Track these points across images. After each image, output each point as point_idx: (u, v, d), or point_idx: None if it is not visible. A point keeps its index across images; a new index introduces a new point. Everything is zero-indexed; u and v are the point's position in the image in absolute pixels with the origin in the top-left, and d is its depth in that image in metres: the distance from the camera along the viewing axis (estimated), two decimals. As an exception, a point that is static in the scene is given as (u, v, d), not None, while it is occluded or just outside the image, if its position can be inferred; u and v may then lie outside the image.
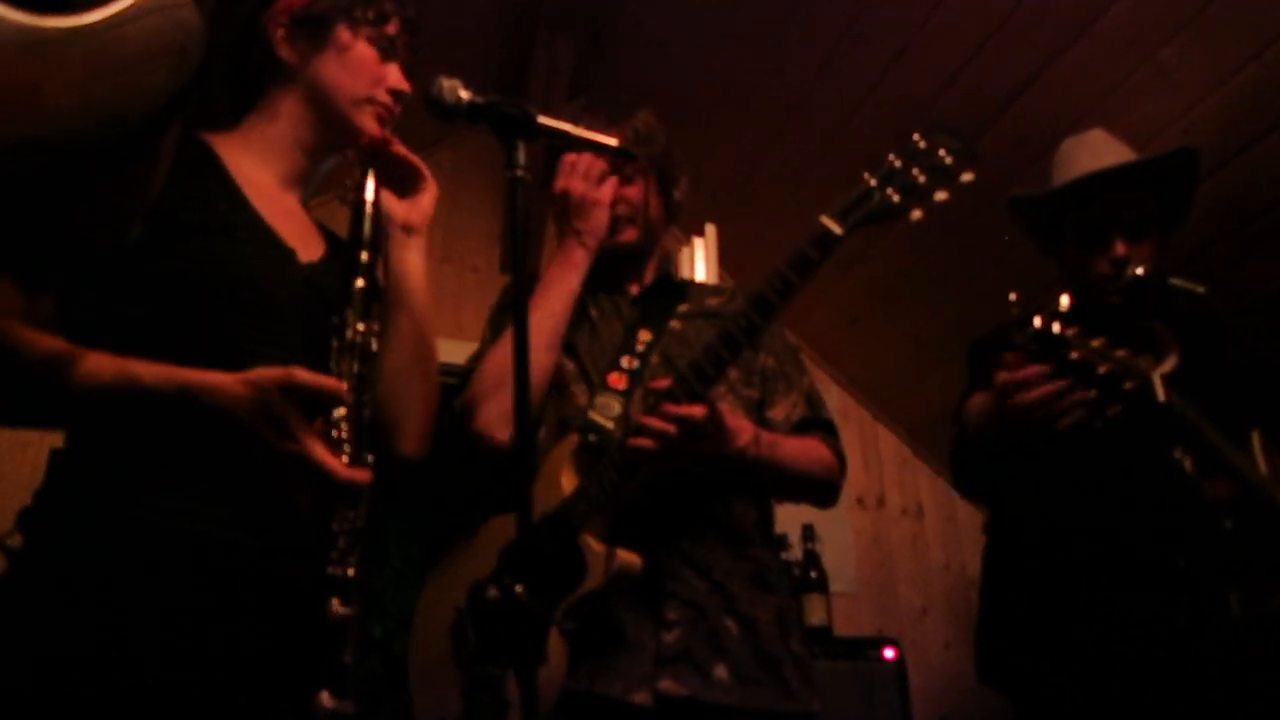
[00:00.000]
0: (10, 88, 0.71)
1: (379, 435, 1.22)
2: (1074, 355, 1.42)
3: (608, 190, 1.57)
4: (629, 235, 1.63)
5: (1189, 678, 1.53)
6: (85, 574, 0.99)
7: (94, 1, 0.76)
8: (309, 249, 1.27)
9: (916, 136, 1.27)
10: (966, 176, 1.26)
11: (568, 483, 1.42)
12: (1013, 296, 1.47)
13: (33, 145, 0.72)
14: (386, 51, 1.33)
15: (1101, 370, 1.43)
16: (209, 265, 1.11)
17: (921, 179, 1.26)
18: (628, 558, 1.34)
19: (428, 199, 1.34)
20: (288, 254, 1.22)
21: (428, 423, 1.33)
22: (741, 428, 1.41)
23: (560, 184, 1.57)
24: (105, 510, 1.02)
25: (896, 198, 1.26)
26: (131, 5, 0.77)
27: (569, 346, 1.57)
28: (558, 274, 1.55)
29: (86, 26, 0.75)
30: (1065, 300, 1.44)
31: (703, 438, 1.33)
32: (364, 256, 1.17)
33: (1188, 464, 1.59)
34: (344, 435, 1.06)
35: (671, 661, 1.35)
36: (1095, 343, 1.44)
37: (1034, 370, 1.47)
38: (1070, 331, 1.43)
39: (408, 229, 1.31)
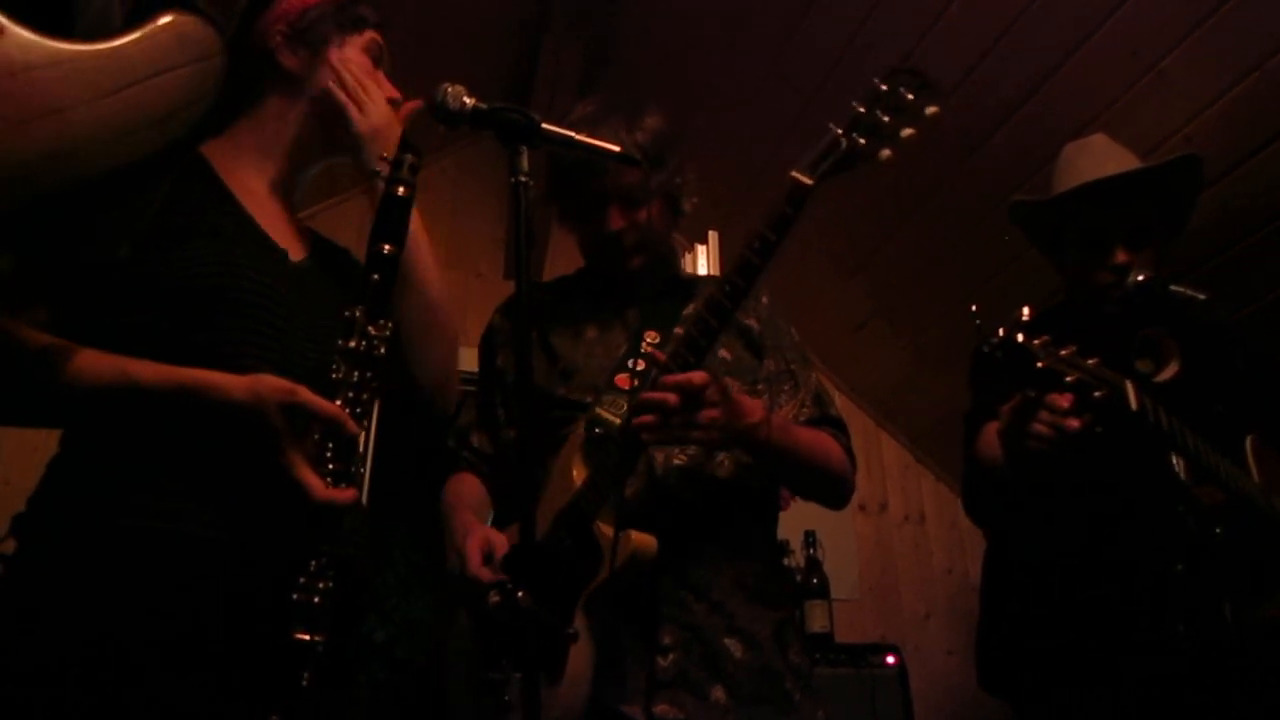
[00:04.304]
0: (33, 105, 0.71)
1: (400, 387, 1.24)
2: (1039, 365, 1.41)
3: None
4: (636, 263, 1.60)
5: (1187, 685, 1.53)
6: (75, 578, 0.99)
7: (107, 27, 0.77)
8: (298, 249, 1.28)
9: (877, 80, 1.27)
10: (931, 110, 1.25)
11: (579, 475, 1.41)
12: (973, 308, 1.47)
13: (53, 162, 0.73)
14: (378, 61, 1.35)
15: (1069, 380, 1.41)
16: (200, 269, 1.10)
17: (886, 119, 1.25)
18: (641, 540, 1.33)
19: None
20: (279, 254, 1.22)
21: (447, 376, 1.36)
22: (752, 406, 1.39)
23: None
24: (96, 514, 1.02)
25: (864, 141, 1.26)
26: (165, 49, 0.78)
27: (566, 369, 1.55)
28: None
29: (113, 50, 0.76)
30: (1026, 311, 1.42)
31: (706, 405, 1.30)
32: (386, 249, 1.13)
33: (1183, 470, 1.58)
34: (332, 454, 1.03)
35: (667, 686, 1.33)
36: (1064, 352, 1.43)
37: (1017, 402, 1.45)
38: (1036, 341, 1.42)
39: None
